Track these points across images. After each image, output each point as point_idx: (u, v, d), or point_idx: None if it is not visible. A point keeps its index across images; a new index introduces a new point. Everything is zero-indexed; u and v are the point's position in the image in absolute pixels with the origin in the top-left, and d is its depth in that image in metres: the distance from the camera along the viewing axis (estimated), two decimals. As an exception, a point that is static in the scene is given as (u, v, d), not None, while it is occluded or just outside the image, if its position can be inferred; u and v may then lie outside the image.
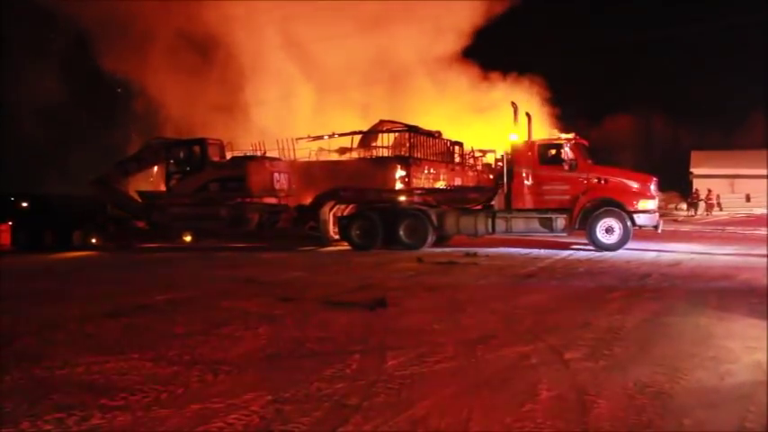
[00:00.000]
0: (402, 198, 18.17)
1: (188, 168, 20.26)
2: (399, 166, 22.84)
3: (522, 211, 16.69)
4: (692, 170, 51.10)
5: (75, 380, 5.62)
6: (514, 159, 16.83)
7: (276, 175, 20.05)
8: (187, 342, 6.83)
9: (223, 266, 14.55)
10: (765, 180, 43.13)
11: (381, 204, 18.14)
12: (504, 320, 7.79)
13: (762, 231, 21.41)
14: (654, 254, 15.27)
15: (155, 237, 20.55)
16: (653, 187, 16.60)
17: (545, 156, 16.64)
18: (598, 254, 15.37)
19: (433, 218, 17.16)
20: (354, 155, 26.09)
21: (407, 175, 22.58)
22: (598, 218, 16.03)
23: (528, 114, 17.65)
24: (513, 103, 17.31)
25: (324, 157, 25.91)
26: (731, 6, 51.07)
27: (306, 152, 26.72)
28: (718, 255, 14.89)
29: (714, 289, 9.85)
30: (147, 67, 30.48)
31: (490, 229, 16.84)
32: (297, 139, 26.93)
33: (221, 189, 19.75)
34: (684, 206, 47.72)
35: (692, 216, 38.34)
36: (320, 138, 26.82)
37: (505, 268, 12.87)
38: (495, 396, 5.08)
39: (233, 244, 19.97)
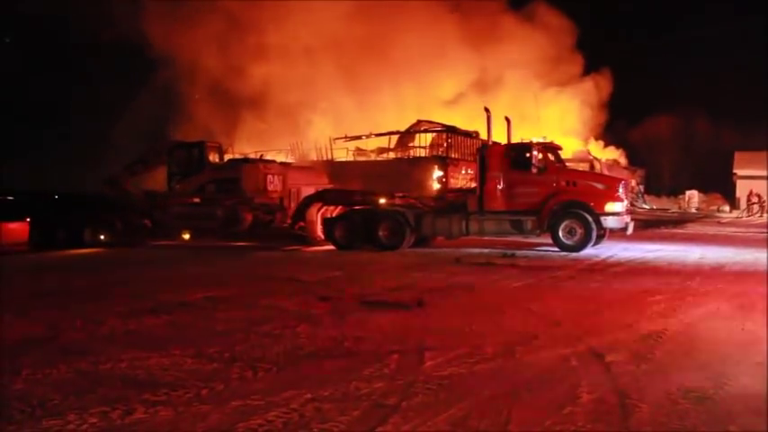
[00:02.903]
0: (382, 200, 18.49)
1: (188, 170, 21.02)
2: (437, 166, 22.87)
3: (494, 212, 17.03)
4: (735, 171, 50.07)
5: (119, 374, 5.73)
6: (487, 162, 17.19)
7: (270, 177, 20.56)
8: (227, 339, 6.92)
9: (255, 264, 14.68)
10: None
11: (364, 206, 18.57)
12: (543, 322, 7.73)
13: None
14: (697, 256, 15.01)
15: (157, 234, 21.14)
16: (621, 189, 16.90)
17: (516, 159, 16.97)
18: (639, 255, 15.16)
19: (411, 219, 17.55)
20: (392, 155, 26.14)
21: (444, 175, 22.56)
22: (561, 219, 16.38)
23: (507, 118, 18.06)
24: (486, 109, 17.70)
25: (362, 158, 26.00)
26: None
27: (343, 152, 26.89)
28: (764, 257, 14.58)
29: (762, 293, 9.64)
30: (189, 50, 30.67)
31: (464, 231, 17.27)
32: (334, 139, 27.10)
33: (218, 190, 20.52)
34: (727, 208, 46.80)
35: (740, 218, 37.59)
36: (358, 138, 26.94)
37: (544, 269, 12.77)
38: (535, 398, 5.05)
39: (228, 243, 20.41)
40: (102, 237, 21.14)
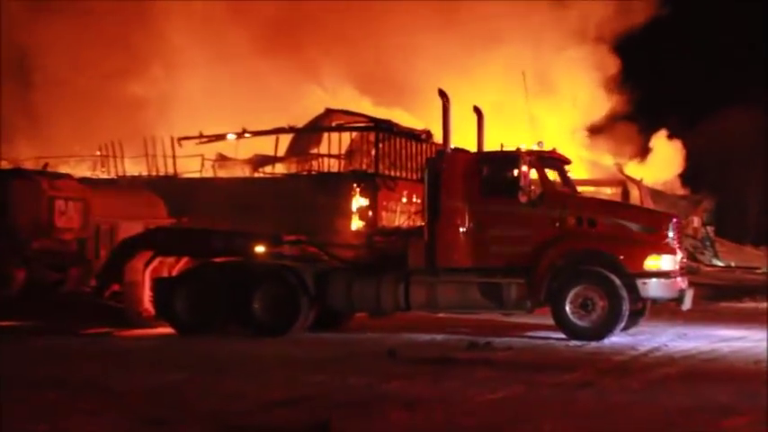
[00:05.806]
0: (261, 248, 18.39)
1: None
2: (358, 190, 22.92)
3: (454, 271, 17.20)
4: None
5: None
6: (443, 185, 17.29)
7: (61, 203, 20.29)
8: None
9: (30, 360, 14.43)
10: None
11: (228, 257, 18.57)
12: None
13: None
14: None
15: None
16: (672, 233, 17.12)
17: (492, 179, 17.25)
18: (705, 346, 15.48)
19: (310, 281, 17.54)
20: (280, 168, 26.22)
21: (371, 206, 22.66)
22: (569, 284, 16.52)
23: (477, 109, 18.13)
24: (440, 91, 17.72)
25: (227, 172, 26.02)
26: None
27: (196, 162, 26.83)
28: None
29: None
30: None
31: (403, 302, 17.28)
32: (180, 139, 26.95)
33: None
34: None
35: None
36: (221, 137, 26.91)
37: (539, 369, 12.93)
38: None
39: None
40: None
